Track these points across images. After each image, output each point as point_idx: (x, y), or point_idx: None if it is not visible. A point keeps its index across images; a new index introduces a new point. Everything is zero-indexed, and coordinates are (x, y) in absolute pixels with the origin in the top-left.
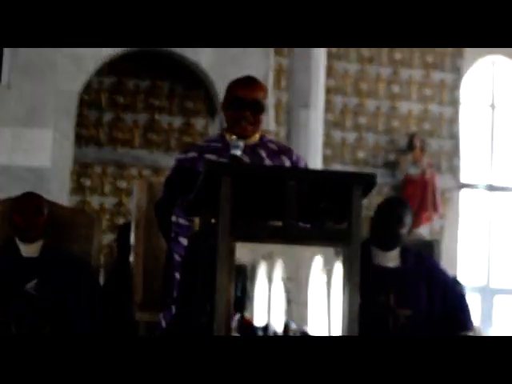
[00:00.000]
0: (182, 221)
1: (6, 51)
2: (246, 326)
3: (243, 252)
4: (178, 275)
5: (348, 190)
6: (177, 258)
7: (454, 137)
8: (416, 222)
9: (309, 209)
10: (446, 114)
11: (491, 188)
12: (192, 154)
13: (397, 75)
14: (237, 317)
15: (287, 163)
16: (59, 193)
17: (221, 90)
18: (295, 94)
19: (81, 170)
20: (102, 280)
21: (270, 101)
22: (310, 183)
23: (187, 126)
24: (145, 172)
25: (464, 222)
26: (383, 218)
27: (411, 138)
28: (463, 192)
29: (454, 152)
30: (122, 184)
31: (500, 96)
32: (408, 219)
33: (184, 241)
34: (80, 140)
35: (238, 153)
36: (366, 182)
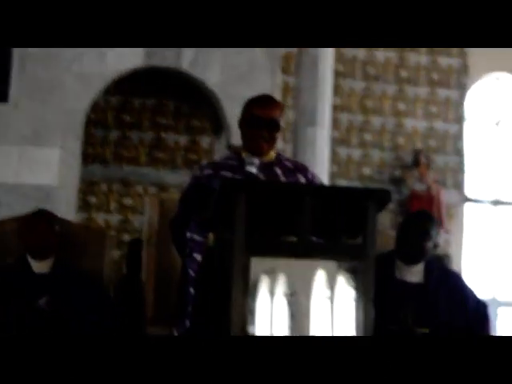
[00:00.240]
0: (196, 237)
1: (14, 70)
2: None
3: None
4: (192, 290)
5: (363, 206)
6: (191, 273)
7: (459, 153)
8: None
9: (323, 224)
10: (451, 130)
11: (496, 203)
12: (208, 171)
13: (402, 93)
14: None
15: (302, 181)
16: (66, 211)
17: (227, 108)
18: (302, 112)
19: (87, 187)
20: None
21: None
22: (324, 199)
23: (193, 144)
24: (150, 189)
25: (469, 236)
26: (408, 231)
27: (417, 154)
28: (468, 206)
29: (459, 168)
30: (128, 201)
31: (505, 112)
32: (434, 232)
33: (198, 256)
34: (86, 158)
35: (254, 170)
36: (381, 198)
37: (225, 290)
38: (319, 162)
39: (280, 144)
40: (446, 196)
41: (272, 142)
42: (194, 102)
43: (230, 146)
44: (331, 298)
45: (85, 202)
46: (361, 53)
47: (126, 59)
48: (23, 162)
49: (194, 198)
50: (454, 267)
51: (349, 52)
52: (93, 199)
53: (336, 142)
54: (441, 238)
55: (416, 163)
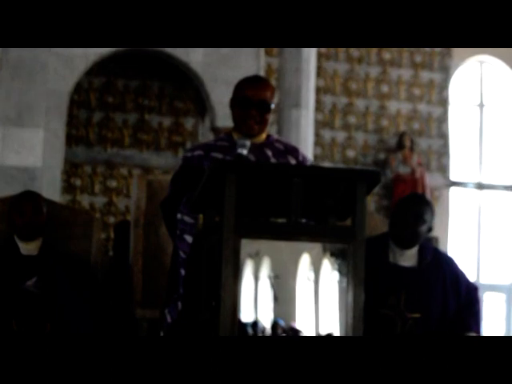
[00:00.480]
0: (186, 218)
1: None
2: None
3: None
4: (183, 272)
5: (352, 187)
6: (182, 255)
7: (443, 136)
8: None
9: (313, 206)
10: (434, 113)
11: (480, 186)
12: (198, 152)
13: (386, 75)
14: None
15: (293, 162)
16: (50, 192)
17: (211, 90)
18: (286, 94)
19: (71, 169)
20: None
21: None
22: (314, 180)
23: (177, 126)
24: (135, 171)
25: (454, 219)
26: (402, 214)
27: (400, 137)
28: (453, 190)
29: (443, 151)
30: (112, 183)
31: (488, 95)
32: (428, 216)
33: (189, 238)
34: (70, 140)
35: (245, 152)
36: (371, 179)
37: (215, 272)
38: (303, 144)
39: None
40: (431, 179)
41: (263, 123)
42: (178, 83)
43: (213, 128)
44: (316, 281)
45: (69, 184)
46: None
47: None
48: (6, 143)
49: (185, 179)
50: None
51: None
52: (77, 181)
53: (320, 125)
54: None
55: (400, 146)
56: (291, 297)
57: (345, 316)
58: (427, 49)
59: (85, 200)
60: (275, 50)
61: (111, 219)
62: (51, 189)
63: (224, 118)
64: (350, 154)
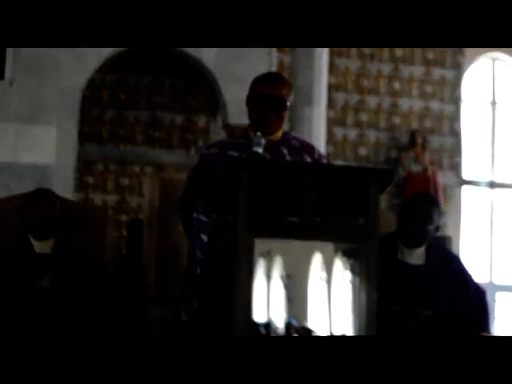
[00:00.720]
0: (202, 217)
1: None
2: None
3: None
4: (198, 271)
5: (366, 186)
6: (198, 254)
7: (455, 134)
8: None
9: (326, 204)
10: (446, 110)
11: (493, 185)
12: (214, 150)
13: (398, 72)
14: None
15: (308, 160)
16: (63, 190)
17: (223, 86)
18: (297, 92)
19: (83, 167)
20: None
21: None
22: (327, 178)
23: (189, 123)
24: (147, 169)
25: (466, 218)
26: (410, 213)
27: (412, 134)
28: (465, 189)
29: (456, 149)
30: (125, 181)
31: (501, 93)
32: (436, 215)
33: (205, 237)
34: (82, 137)
35: (260, 150)
36: (385, 178)
37: (229, 271)
38: (315, 141)
39: None
40: (443, 177)
41: (279, 120)
42: (190, 80)
43: (226, 125)
44: (328, 281)
45: (82, 182)
46: None
47: None
48: (19, 141)
49: (200, 177)
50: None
51: None
52: (90, 179)
53: (331, 122)
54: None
55: (412, 144)
56: (304, 296)
57: (357, 315)
58: None
59: (97, 198)
60: None
61: (123, 217)
62: (64, 186)
63: (236, 115)
64: (362, 151)
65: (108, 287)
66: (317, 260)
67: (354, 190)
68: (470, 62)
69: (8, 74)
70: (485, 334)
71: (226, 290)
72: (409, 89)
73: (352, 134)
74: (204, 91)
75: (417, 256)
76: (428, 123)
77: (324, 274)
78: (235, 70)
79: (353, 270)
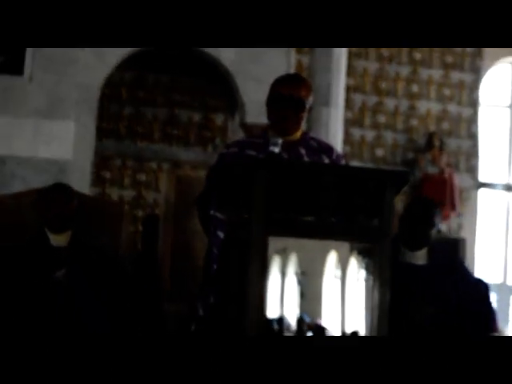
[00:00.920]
0: (218, 214)
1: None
2: None
3: None
4: (215, 266)
5: (381, 187)
6: (215, 250)
7: (473, 137)
8: None
9: (342, 204)
10: (464, 113)
11: (509, 188)
12: (233, 150)
13: (416, 75)
14: None
15: (326, 161)
16: (79, 185)
17: (242, 86)
18: (315, 92)
19: (101, 162)
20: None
21: None
22: (343, 179)
23: (207, 121)
24: (164, 166)
25: (482, 220)
26: (412, 218)
27: (430, 137)
28: (481, 191)
29: (473, 152)
30: (142, 177)
31: None
32: (437, 219)
33: (221, 234)
34: (100, 133)
35: (276, 150)
36: (400, 180)
37: (243, 268)
38: (332, 142)
39: None
40: (459, 180)
41: (297, 121)
42: (209, 79)
43: (243, 124)
44: (343, 279)
45: (99, 177)
46: None
47: None
48: (38, 136)
49: (218, 176)
50: (467, 251)
51: None
52: (107, 174)
53: (349, 123)
54: (453, 221)
55: (429, 146)
56: (317, 294)
57: (370, 314)
58: (458, 49)
59: (114, 193)
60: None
61: (140, 213)
62: (81, 181)
63: (254, 114)
64: (379, 152)
65: (123, 283)
66: (332, 258)
67: (370, 192)
68: (489, 66)
69: (27, 69)
70: (494, 334)
71: (240, 287)
72: (427, 91)
73: (369, 135)
74: (222, 90)
75: (419, 257)
76: (445, 125)
77: (339, 272)
78: (253, 70)
79: (367, 269)
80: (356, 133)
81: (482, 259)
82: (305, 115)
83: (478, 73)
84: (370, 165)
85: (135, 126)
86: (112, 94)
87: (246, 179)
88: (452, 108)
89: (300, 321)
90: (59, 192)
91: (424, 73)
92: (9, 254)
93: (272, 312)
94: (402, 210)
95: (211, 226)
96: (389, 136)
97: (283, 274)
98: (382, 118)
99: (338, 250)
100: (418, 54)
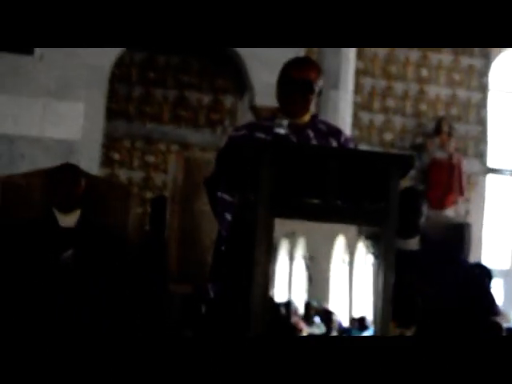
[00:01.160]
0: (226, 196)
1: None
2: None
3: None
4: (223, 248)
5: (387, 171)
6: (223, 233)
7: (482, 122)
8: (442, 205)
9: (347, 188)
10: (473, 99)
11: None
12: (242, 132)
13: (426, 59)
14: None
15: (334, 145)
16: (88, 165)
17: (251, 68)
18: (325, 76)
19: (110, 143)
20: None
21: None
22: (349, 163)
23: (216, 103)
24: (173, 147)
25: (489, 206)
26: (401, 209)
27: (439, 122)
28: (489, 177)
29: (481, 137)
30: (150, 158)
31: None
32: (424, 208)
33: (229, 216)
34: (110, 114)
35: (282, 131)
36: (405, 164)
37: (250, 250)
38: (341, 126)
39: None
40: (467, 165)
41: (306, 103)
42: (218, 61)
43: (252, 107)
44: (351, 264)
45: (108, 158)
46: None
47: None
48: (47, 115)
49: (227, 158)
50: (474, 237)
51: None
52: (116, 155)
53: (358, 107)
54: (461, 207)
55: (438, 131)
56: (325, 278)
57: (375, 299)
58: None
59: (123, 174)
60: None
61: (148, 194)
62: (90, 162)
63: (263, 96)
64: (388, 137)
65: (127, 265)
66: (340, 242)
67: (376, 175)
68: (499, 51)
69: (37, 49)
70: (497, 318)
71: (247, 269)
72: (436, 76)
73: (378, 119)
74: (231, 73)
75: (412, 244)
76: (454, 111)
77: (346, 257)
78: (263, 52)
79: (375, 254)
80: (365, 117)
81: (489, 245)
82: (314, 98)
83: (487, 58)
84: (378, 149)
85: (144, 107)
86: (122, 75)
87: (253, 161)
88: (461, 93)
89: (307, 305)
90: (67, 172)
91: (434, 57)
92: (17, 231)
93: (280, 296)
94: None
95: (219, 207)
96: (398, 120)
97: (291, 257)
98: (391, 102)
99: (345, 235)
100: None
